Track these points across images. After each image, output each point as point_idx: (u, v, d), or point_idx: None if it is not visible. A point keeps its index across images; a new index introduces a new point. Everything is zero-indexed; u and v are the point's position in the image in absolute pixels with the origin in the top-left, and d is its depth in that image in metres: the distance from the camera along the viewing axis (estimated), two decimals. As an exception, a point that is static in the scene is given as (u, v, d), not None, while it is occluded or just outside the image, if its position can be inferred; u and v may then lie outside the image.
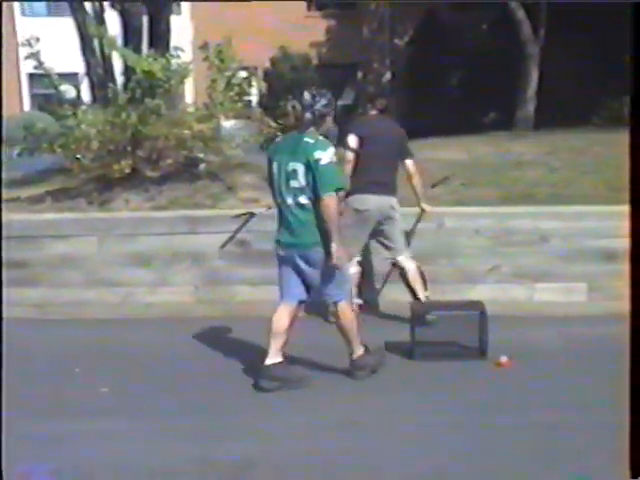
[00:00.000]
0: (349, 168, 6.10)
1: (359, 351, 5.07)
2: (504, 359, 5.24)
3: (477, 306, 5.57)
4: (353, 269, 6.08)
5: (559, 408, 4.47)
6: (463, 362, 5.35)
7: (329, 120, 4.88)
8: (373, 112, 6.51)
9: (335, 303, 4.98)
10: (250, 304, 6.65)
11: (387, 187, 6.13)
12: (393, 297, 6.49)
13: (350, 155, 6.11)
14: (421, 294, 6.13)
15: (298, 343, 5.82)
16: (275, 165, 4.84)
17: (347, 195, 5.81)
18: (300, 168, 4.70)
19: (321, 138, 4.75)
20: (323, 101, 4.82)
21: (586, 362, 5.27)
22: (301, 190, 4.74)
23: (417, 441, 4.09)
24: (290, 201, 4.79)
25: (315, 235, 4.77)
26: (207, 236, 6.78)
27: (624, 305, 6.32)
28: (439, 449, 3.98)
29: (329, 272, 4.82)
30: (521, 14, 15.76)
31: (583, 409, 4.44)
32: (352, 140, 6.11)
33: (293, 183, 4.75)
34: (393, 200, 6.16)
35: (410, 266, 6.19)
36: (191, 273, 6.80)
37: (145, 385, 5.04)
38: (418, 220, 6.52)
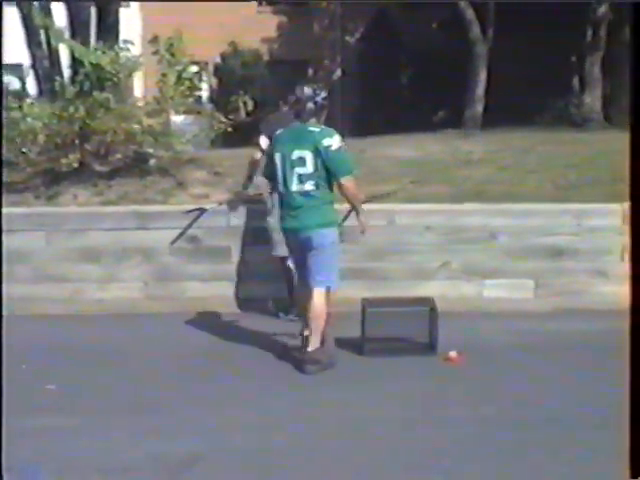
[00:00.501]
0: (252, 168, 6.24)
1: (316, 344, 5.10)
2: (453, 354, 5.30)
3: (427, 302, 5.62)
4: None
5: (508, 402, 4.53)
6: (413, 357, 5.38)
7: (325, 113, 5.17)
8: (285, 109, 6.53)
9: (320, 288, 5.10)
10: (200, 300, 6.63)
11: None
12: (342, 294, 6.49)
13: (257, 155, 6.17)
14: None
15: (248, 336, 5.84)
16: (278, 155, 5.06)
17: (272, 190, 5.93)
18: (308, 155, 4.93)
19: (324, 126, 5.07)
20: (323, 94, 5.17)
21: (533, 357, 5.36)
22: (308, 176, 4.97)
23: (365, 435, 4.10)
24: (295, 188, 5.00)
25: (318, 218, 5.01)
26: (157, 232, 6.73)
27: (569, 301, 6.52)
28: (387, 443, 4.00)
29: (322, 257, 5.03)
30: (470, 14, 15.94)
31: (531, 403, 4.51)
32: (262, 140, 6.10)
33: (299, 170, 4.96)
34: None
35: None
36: (141, 269, 6.74)
37: (95, 382, 4.97)
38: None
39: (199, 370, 5.15)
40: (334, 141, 4.94)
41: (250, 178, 6.40)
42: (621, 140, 10.12)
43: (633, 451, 2.87)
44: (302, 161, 4.95)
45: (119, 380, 5.00)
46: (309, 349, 5.10)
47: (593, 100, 16.89)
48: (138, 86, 13.31)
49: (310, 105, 5.06)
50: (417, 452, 3.87)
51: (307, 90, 5.12)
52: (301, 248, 5.14)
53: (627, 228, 6.57)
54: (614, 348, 5.45)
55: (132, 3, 18.52)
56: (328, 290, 5.15)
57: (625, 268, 6.57)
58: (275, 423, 4.28)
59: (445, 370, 5.16)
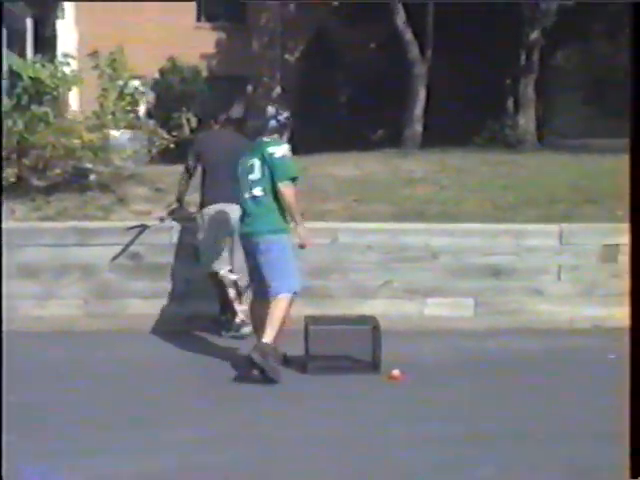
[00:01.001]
0: (182, 182, 6.57)
1: (270, 338, 5.12)
2: (396, 372, 5.34)
3: (370, 321, 5.66)
4: (233, 276, 6.29)
5: (451, 420, 4.58)
6: (356, 376, 5.40)
7: (288, 132, 5.53)
8: (216, 127, 6.88)
9: (275, 295, 5.19)
10: (141, 317, 6.55)
11: (235, 197, 6.01)
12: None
13: (182, 169, 6.55)
14: (237, 307, 6.27)
15: (190, 354, 5.78)
16: (240, 165, 5.41)
17: (201, 207, 6.32)
18: (256, 162, 5.26)
19: (277, 137, 5.40)
20: (286, 114, 5.54)
21: (474, 375, 5.44)
22: (256, 182, 5.27)
23: (306, 454, 4.08)
24: (247, 194, 5.32)
25: (265, 224, 5.25)
26: (97, 248, 6.62)
27: (508, 320, 6.65)
28: (329, 462, 3.99)
29: (271, 263, 5.20)
30: (409, 35, 16.20)
31: (474, 421, 4.57)
32: (189, 156, 6.49)
33: (250, 177, 5.29)
34: None
35: (232, 277, 6.31)
36: (80, 286, 6.62)
37: (29, 400, 4.83)
38: None
39: (140, 389, 5.07)
40: (279, 149, 5.26)
41: (180, 200, 6.60)
42: (554, 161, 10.50)
43: (633, 451, 2.90)
44: (252, 168, 5.28)
45: (54, 399, 4.87)
46: (262, 339, 5.14)
47: (527, 122, 17.33)
48: (73, 100, 13.12)
49: (272, 123, 5.44)
50: (358, 470, 3.87)
51: (270, 109, 5.57)
52: (252, 254, 5.34)
53: (563, 248, 6.77)
54: (552, 366, 5.62)
55: (67, 17, 18.25)
56: (289, 294, 5.23)
57: (561, 287, 6.76)
58: (213, 440, 4.24)
59: (388, 388, 5.19)
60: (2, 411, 3.72)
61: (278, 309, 5.18)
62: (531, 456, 4.01)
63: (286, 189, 5.20)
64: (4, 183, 7.29)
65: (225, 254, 6.31)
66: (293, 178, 5.28)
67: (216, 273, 6.23)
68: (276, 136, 5.41)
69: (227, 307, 6.31)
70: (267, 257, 5.22)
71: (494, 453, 4.04)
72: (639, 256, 3.31)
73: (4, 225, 6.83)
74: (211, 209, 6.26)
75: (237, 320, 6.24)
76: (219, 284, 6.26)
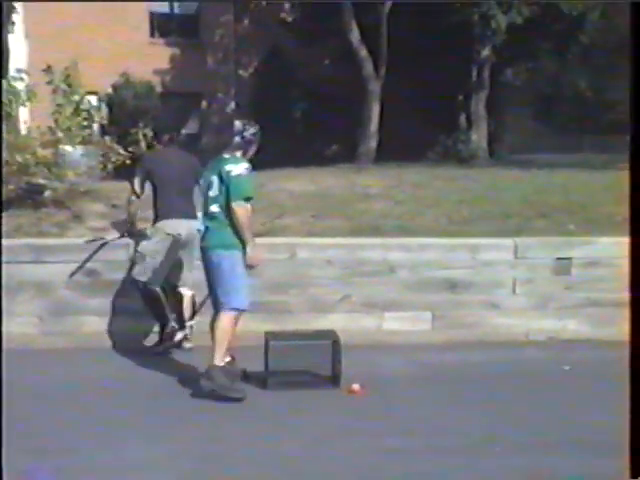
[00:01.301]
0: (131, 204, 6.51)
1: (216, 361, 5.17)
2: (356, 387, 5.37)
3: (330, 335, 5.68)
4: (189, 292, 6.33)
5: (411, 433, 4.63)
6: (316, 390, 5.43)
7: (254, 148, 5.43)
8: (160, 146, 7.00)
9: (221, 311, 5.24)
10: (98, 335, 6.48)
11: (188, 213, 6.21)
12: (244, 327, 6.49)
13: (132, 197, 6.49)
14: (188, 322, 6.31)
15: (148, 371, 5.73)
16: (202, 180, 5.52)
17: (154, 222, 6.30)
18: (215, 179, 5.26)
19: (238, 156, 5.31)
20: (252, 130, 5.41)
21: (433, 388, 5.50)
22: (214, 199, 5.28)
23: (264, 470, 4.10)
24: (206, 209, 5.37)
25: (218, 239, 5.24)
26: (53, 265, 6.54)
27: (465, 333, 6.73)
28: (291, 477, 4.01)
29: (221, 278, 5.23)
30: (363, 52, 16.37)
31: (434, 434, 4.62)
32: (136, 177, 6.45)
33: (210, 193, 5.31)
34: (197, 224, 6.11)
35: (187, 293, 6.34)
36: (35, 303, 6.52)
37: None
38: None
39: (96, 407, 5.03)
40: (236, 167, 5.22)
41: (132, 223, 6.58)
42: (506, 176, 10.68)
43: (633, 451, 2.94)
44: (211, 185, 5.30)
45: (11, 418, 4.80)
46: (209, 364, 5.17)
47: (479, 137, 17.64)
48: (23, 116, 12.99)
49: (237, 139, 5.36)
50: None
51: (237, 124, 5.44)
52: (206, 268, 5.38)
53: (517, 262, 6.88)
54: (509, 378, 5.71)
55: (17, 31, 18.05)
56: (236, 311, 5.24)
57: (516, 300, 6.87)
58: (171, 459, 4.21)
59: (348, 402, 5.23)
60: (2, 413, 3.65)
61: (220, 328, 5.21)
62: (491, 467, 4.07)
63: (238, 209, 5.17)
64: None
65: (176, 270, 6.31)
66: (247, 198, 5.24)
67: (163, 288, 6.20)
68: (238, 153, 5.36)
69: (164, 319, 6.28)
70: (217, 271, 5.25)
71: (455, 466, 4.09)
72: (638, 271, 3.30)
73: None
74: (163, 224, 6.24)
75: (179, 335, 6.26)
76: (158, 299, 6.21)
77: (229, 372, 5.28)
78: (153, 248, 6.18)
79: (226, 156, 5.33)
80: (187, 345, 6.29)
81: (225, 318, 5.21)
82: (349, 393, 5.32)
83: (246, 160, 5.34)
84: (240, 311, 5.28)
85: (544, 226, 7.51)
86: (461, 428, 4.70)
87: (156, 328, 6.43)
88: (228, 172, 5.19)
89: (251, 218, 5.29)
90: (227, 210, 5.23)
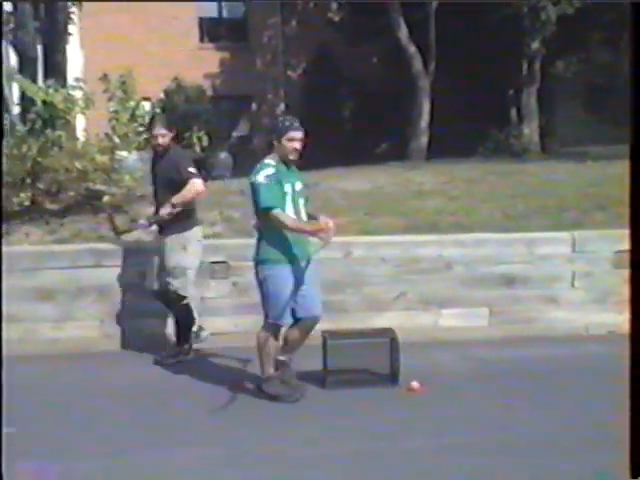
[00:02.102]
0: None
1: (265, 374, 5.26)
2: (415, 384, 5.36)
3: (388, 333, 5.69)
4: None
5: (472, 430, 4.61)
6: (375, 389, 5.43)
7: (285, 144, 5.08)
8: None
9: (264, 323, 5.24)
10: (156, 337, 6.58)
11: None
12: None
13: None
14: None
15: (206, 371, 5.78)
16: None
17: (183, 229, 6.00)
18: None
19: (267, 161, 5.10)
20: (279, 126, 5.15)
21: (492, 384, 5.47)
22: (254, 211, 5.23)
23: (333, 469, 4.12)
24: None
25: (256, 253, 5.17)
26: (112, 269, 6.66)
27: (522, 328, 6.67)
28: (357, 476, 4.03)
29: (261, 292, 5.19)
30: (412, 49, 16.31)
31: (496, 430, 4.59)
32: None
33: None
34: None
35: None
36: (97, 307, 6.65)
37: (55, 424, 4.88)
38: None
39: (167, 410, 5.13)
40: (255, 177, 5.02)
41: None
42: (561, 169, 10.53)
43: (633, 451, 2.91)
44: None
45: (80, 422, 4.92)
46: (263, 376, 5.29)
47: (531, 131, 17.43)
48: (79, 124, 13.26)
49: (272, 140, 5.16)
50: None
51: (276, 123, 5.35)
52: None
53: (575, 255, 6.80)
54: (569, 373, 5.64)
55: (72, 42, 18.44)
56: (274, 326, 5.19)
57: (575, 294, 6.79)
58: (241, 459, 4.27)
59: (408, 400, 5.22)
60: (2, 412, 3.75)
61: (258, 344, 5.22)
62: (560, 465, 4.04)
63: (271, 216, 4.97)
64: (17, 207, 7.36)
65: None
66: (266, 208, 4.97)
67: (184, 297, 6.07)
68: (274, 156, 5.11)
69: (192, 324, 6.20)
70: (259, 285, 5.17)
71: (518, 464, 4.07)
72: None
73: (21, 248, 6.91)
74: (196, 232, 6.13)
75: (204, 334, 6.20)
76: (186, 307, 6.11)
77: (282, 379, 5.29)
78: (192, 260, 6.05)
79: (258, 165, 5.14)
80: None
81: (263, 330, 5.22)
82: (408, 391, 5.32)
83: (280, 162, 5.08)
84: (277, 326, 5.20)
85: (602, 219, 7.41)
86: (523, 425, 4.67)
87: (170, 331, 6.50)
88: (250, 184, 5.07)
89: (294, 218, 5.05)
90: (260, 222, 5.14)
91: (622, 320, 6.69)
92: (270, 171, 5.00)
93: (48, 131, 7.37)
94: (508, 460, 4.12)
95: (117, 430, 4.76)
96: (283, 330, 5.26)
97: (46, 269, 6.66)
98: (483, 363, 6.02)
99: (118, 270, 6.66)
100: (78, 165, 7.49)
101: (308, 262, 5.16)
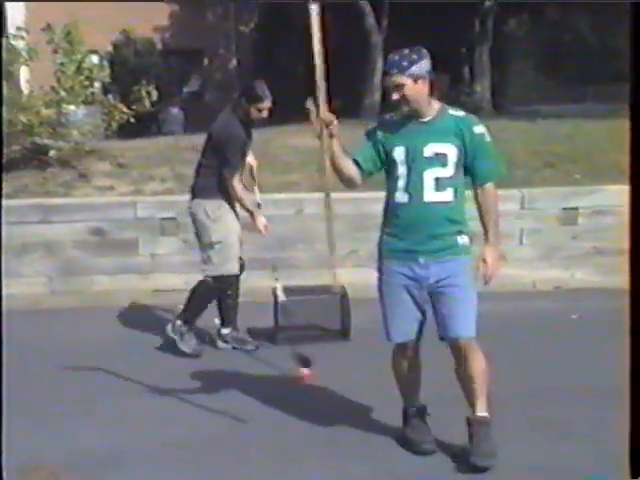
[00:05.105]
0: None
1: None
2: (305, 371, 4.75)
3: (338, 290, 5.69)
4: None
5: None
6: (326, 344, 5.41)
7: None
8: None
9: None
10: (107, 294, 6.52)
11: (192, 189, 5.41)
12: (251, 284, 6.52)
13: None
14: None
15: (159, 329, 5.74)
16: None
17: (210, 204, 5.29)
18: None
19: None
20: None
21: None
22: None
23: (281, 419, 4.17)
24: None
25: None
26: (61, 225, 6.56)
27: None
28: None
29: None
30: (365, 5, 16.19)
31: (443, 385, 4.64)
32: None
33: None
34: (194, 203, 5.33)
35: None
36: (44, 264, 6.56)
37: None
38: None
39: (110, 365, 5.07)
40: None
41: None
42: (511, 127, 10.59)
43: (633, 451, 2.92)
44: None
45: (24, 379, 4.84)
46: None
47: (483, 89, 17.49)
48: (23, 75, 12.92)
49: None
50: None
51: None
52: None
53: (524, 212, 6.89)
54: (517, 328, 5.73)
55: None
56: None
57: (523, 251, 6.88)
58: (182, 411, 4.28)
59: (357, 355, 5.24)
60: (2, 411, 3.69)
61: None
62: (504, 418, 4.11)
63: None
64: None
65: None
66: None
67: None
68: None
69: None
70: None
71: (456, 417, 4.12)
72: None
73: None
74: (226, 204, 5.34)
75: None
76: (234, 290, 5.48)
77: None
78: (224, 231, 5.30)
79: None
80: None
81: None
82: (298, 380, 4.76)
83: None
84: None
85: (550, 176, 7.49)
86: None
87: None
88: None
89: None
90: None
91: (568, 275, 6.86)
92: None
93: (-12, 83, 7.15)
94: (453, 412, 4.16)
95: (66, 386, 4.72)
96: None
97: (-9, 224, 6.53)
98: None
99: (66, 226, 6.57)
100: (23, 118, 7.32)
101: None
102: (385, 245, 3.94)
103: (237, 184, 5.16)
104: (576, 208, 6.89)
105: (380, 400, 4.29)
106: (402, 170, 3.69)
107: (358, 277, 6.62)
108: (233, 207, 5.28)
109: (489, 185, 3.68)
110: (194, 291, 5.35)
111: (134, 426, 4.14)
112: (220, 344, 5.47)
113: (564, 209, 6.89)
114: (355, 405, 4.38)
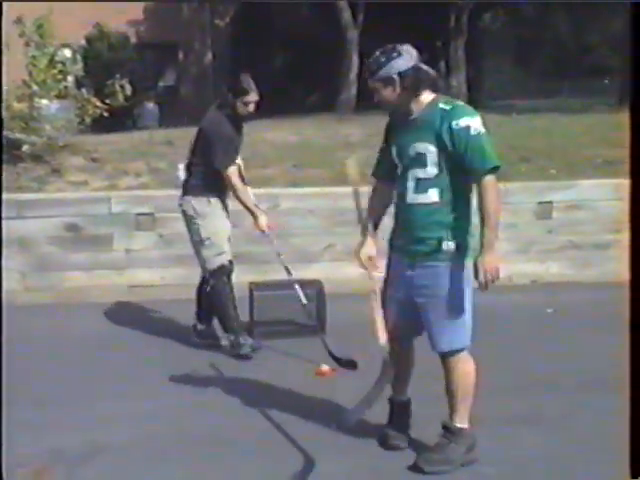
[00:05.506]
0: None
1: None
2: (325, 368, 4.90)
3: (315, 284, 5.69)
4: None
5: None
6: (301, 339, 5.39)
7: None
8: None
9: None
10: (82, 290, 6.46)
11: (184, 186, 5.30)
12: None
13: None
14: None
15: (136, 324, 5.70)
16: None
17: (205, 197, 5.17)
18: None
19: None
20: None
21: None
22: None
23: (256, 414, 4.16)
24: None
25: None
26: (34, 221, 6.49)
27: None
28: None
29: None
30: (341, 0, 16.15)
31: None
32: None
33: None
34: (184, 200, 5.23)
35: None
36: (18, 259, 6.48)
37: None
38: None
39: (82, 361, 5.04)
40: None
41: None
42: (488, 122, 10.57)
43: (633, 451, 2.91)
44: None
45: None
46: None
47: (459, 83, 17.53)
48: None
49: None
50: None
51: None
52: None
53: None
54: (492, 322, 5.74)
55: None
56: None
57: (499, 245, 6.86)
58: (160, 414, 4.24)
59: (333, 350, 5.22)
60: (2, 410, 3.65)
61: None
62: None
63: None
64: None
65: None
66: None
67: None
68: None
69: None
70: None
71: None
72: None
73: None
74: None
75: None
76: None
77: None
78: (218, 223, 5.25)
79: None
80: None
81: None
82: (317, 375, 4.87)
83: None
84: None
85: (526, 171, 7.52)
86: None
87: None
88: None
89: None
90: None
91: (544, 269, 6.89)
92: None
93: (-40, 77, 7.04)
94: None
95: (38, 383, 4.67)
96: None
97: (-37, 220, 6.44)
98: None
99: (40, 221, 6.50)
100: (-6, 112, 7.21)
101: None
102: (390, 239, 3.88)
103: (237, 183, 5.11)
104: (551, 202, 6.93)
105: (359, 395, 4.28)
106: (398, 169, 3.59)
107: (335, 272, 6.63)
108: (224, 204, 5.23)
109: (485, 181, 3.35)
110: (210, 303, 5.30)
111: (116, 423, 4.09)
112: (195, 339, 5.43)
113: (539, 203, 6.93)
114: (333, 400, 4.35)
